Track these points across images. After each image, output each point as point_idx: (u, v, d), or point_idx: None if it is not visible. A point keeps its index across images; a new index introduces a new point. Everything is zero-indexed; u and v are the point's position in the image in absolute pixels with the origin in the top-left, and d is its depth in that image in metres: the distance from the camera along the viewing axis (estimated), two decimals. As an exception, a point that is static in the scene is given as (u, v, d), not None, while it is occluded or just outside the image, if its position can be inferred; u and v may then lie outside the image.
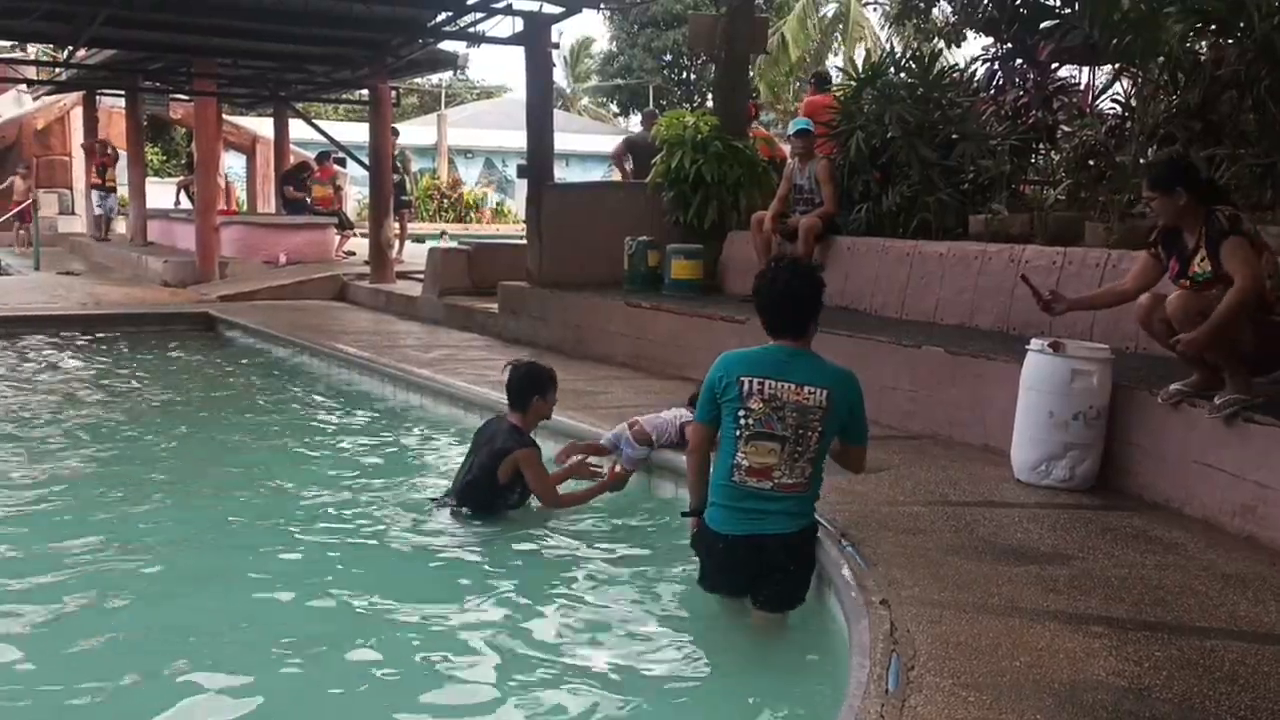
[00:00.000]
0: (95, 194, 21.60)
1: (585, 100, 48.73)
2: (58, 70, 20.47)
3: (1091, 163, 8.02)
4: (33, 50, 24.73)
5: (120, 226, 21.98)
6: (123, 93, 20.79)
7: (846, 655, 3.45)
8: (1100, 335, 5.93)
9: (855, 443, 4.13)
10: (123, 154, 22.18)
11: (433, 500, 5.48)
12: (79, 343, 11.15)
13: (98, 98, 22.28)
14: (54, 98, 24.50)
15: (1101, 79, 9.48)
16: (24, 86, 24.16)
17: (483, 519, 5.21)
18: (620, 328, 9.11)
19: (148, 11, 12.20)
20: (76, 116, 23.88)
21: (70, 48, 15.93)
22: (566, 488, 5.52)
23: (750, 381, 3.90)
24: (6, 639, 3.91)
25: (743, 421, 3.89)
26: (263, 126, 24.76)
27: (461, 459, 5.94)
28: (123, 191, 21.26)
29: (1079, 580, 3.86)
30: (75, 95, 23.05)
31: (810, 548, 4.08)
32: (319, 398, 8.82)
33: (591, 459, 5.70)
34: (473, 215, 30.57)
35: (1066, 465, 5.06)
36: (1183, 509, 4.77)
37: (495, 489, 5.20)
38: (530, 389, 5.40)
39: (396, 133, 17.44)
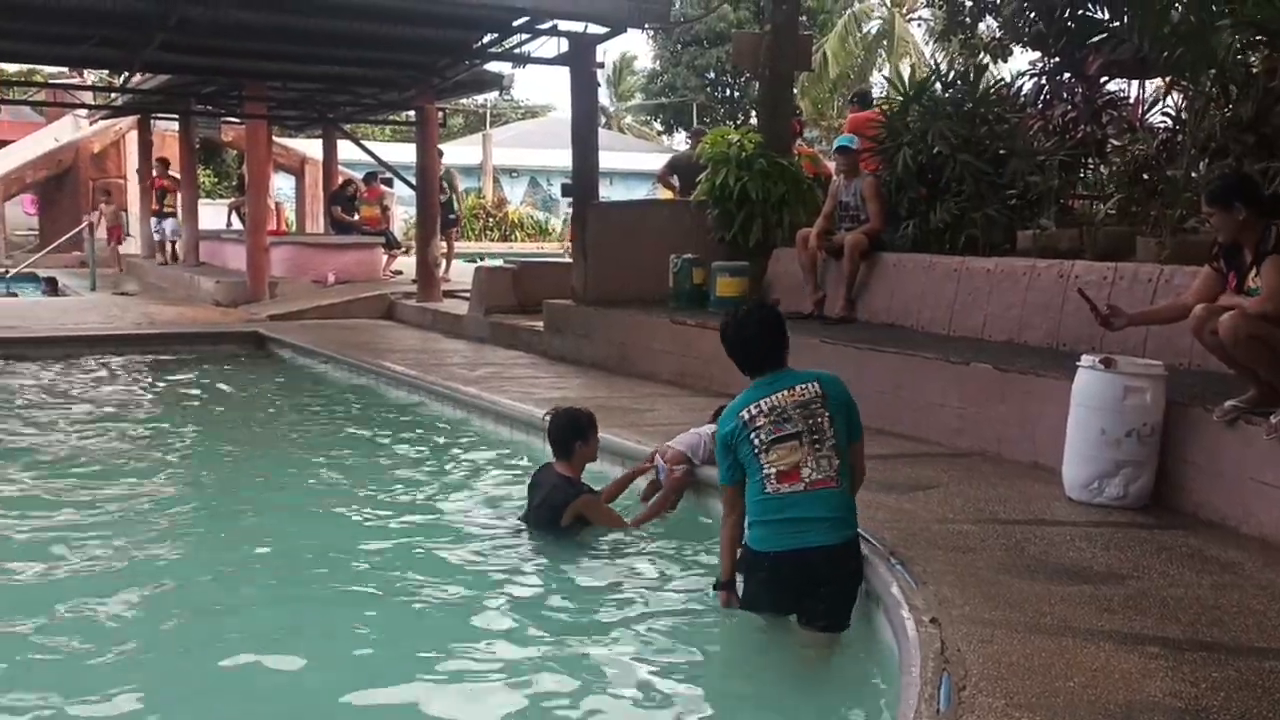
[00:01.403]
0: (153, 220, 21.09)
1: (629, 119, 48.97)
2: (113, 95, 20.86)
3: (1145, 177, 7.92)
4: (89, 76, 25.33)
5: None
6: (176, 116, 21.16)
7: (896, 675, 3.43)
8: (1153, 351, 5.85)
9: (854, 438, 4.18)
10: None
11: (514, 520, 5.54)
12: (134, 361, 11.35)
13: (152, 121, 22.68)
14: (109, 122, 25.03)
15: (1151, 92, 9.39)
16: (81, 112, 24.75)
17: (544, 538, 5.28)
18: (665, 345, 9.13)
19: (201, 37, 12.44)
20: (131, 140, 24.37)
21: (125, 73, 16.28)
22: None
23: (749, 409, 4.04)
24: (76, 657, 4.00)
25: (756, 440, 3.99)
26: (311, 148, 25.14)
27: (505, 474, 5.98)
28: (175, 214, 21.33)
29: (1134, 600, 3.81)
30: (130, 119, 23.51)
31: (856, 561, 4.07)
32: (367, 415, 8.89)
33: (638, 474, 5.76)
34: (518, 235, 30.77)
35: (1119, 483, 4.99)
36: (1239, 528, 4.69)
37: (560, 532, 5.26)
38: (572, 436, 5.44)
39: (440, 153, 17.65)
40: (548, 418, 5.61)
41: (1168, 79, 8.58)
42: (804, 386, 4.04)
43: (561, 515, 5.22)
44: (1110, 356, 5.07)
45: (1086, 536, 4.59)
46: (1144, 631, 3.53)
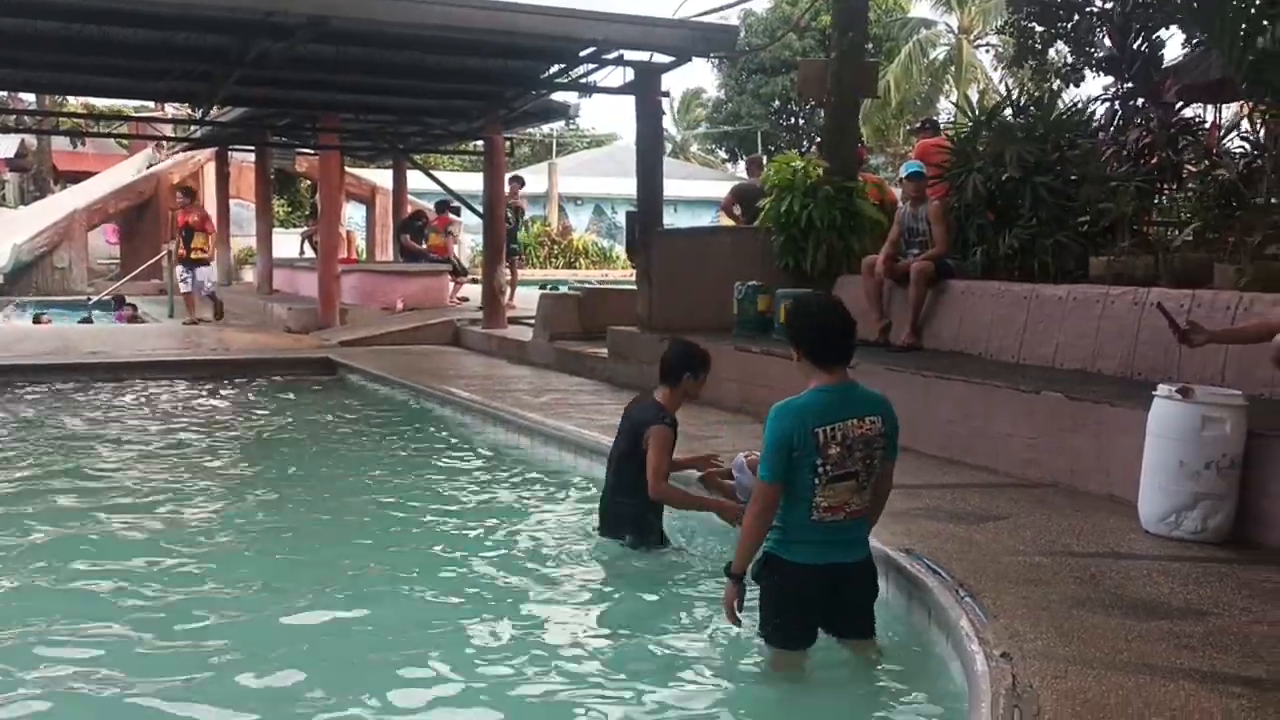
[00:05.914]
0: (179, 268, 16.71)
1: (695, 147, 49.18)
2: (193, 128, 21.39)
3: (1231, 202, 7.73)
4: (169, 109, 26.10)
5: (248, 275, 22.57)
6: (252, 148, 21.65)
7: (965, 713, 3.36)
8: (1232, 380, 5.69)
9: (892, 458, 4.07)
10: (248, 206, 22.90)
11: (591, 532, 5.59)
12: (209, 386, 11.59)
13: (229, 153, 23.25)
14: (188, 154, 25.73)
15: (1228, 117, 9.20)
16: (157, 143, 25.45)
17: (613, 540, 5.35)
18: (729, 373, 9.09)
19: (278, 71, 12.76)
20: (209, 171, 25.01)
21: (205, 106, 16.77)
22: None
23: (824, 431, 3.84)
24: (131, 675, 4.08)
25: (820, 469, 3.84)
26: (382, 178, 25.62)
27: (567, 498, 5.98)
28: (249, 242, 21.35)
29: (1214, 637, 3.69)
30: (208, 151, 24.14)
31: (874, 572, 4.14)
32: (433, 439, 8.99)
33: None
34: (582, 262, 30.99)
35: (1198, 516, 4.85)
36: (1326, 564, 4.53)
37: (643, 466, 5.19)
38: (684, 365, 5.40)
39: (521, 181, 17.91)
40: (666, 343, 5.65)
41: (1248, 103, 8.40)
42: (872, 421, 3.90)
43: (643, 435, 5.19)
44: (1188, 386, 4.94)
45: (1164, 571, 4.47)
46: (1225, 670, 3.41)
